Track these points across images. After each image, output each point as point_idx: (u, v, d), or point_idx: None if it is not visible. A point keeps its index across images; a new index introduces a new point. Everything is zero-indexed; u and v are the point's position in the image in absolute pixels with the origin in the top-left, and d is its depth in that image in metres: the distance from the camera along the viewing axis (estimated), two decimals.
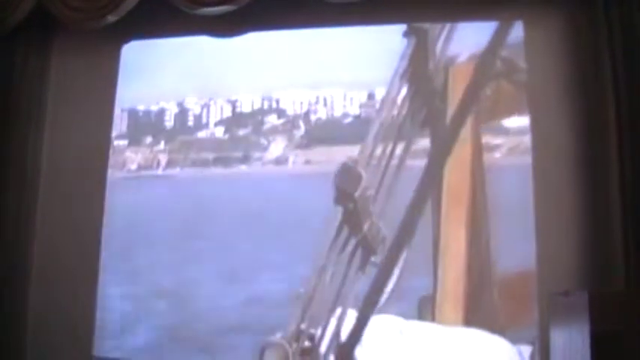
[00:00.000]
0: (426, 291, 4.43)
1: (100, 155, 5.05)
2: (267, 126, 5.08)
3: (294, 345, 4.52)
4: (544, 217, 4.22)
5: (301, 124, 5.03)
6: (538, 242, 4.20)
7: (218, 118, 5.17)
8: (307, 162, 4.98)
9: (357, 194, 4.57)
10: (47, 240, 4.93)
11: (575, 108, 4.25)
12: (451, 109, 4.55)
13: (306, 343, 4.52)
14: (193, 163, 5.14)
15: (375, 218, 4.56)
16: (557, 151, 4.25)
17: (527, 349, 4.22)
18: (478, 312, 4.35)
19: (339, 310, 4.51)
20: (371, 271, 4.53)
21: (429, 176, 4.56)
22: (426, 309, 4.43)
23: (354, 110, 4.95)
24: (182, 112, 5.22)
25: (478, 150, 4.52)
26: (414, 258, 4.50)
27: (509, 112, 4.52)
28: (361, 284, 4.53)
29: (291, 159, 5.01)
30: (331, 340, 4.50)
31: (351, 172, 4.63)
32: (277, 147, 5.02)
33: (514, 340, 4.26)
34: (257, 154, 5.05)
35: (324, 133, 5.00)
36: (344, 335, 4.49)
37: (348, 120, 4.95)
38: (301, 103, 5.05)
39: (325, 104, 4.99)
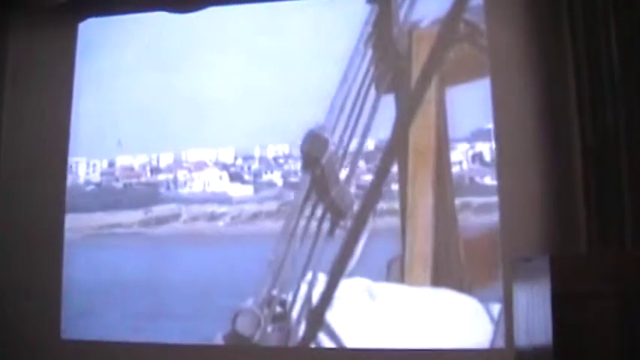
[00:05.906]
0: (395, 253, 4.48)
1: (60, 133, 5.04)
2: None
3: (266, 311, 4.57)
4: (506, 182, 4.27)
5: None
6: (501, 207, 4.25)
7: None
8: None
9: (323, 160, 4.60)
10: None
11: (536, 70, 4.27)
12: (415, 73, 4.57)
13: (278, 309, 4.57)
14: None
15: (342, 183, 4.59)
16: (518, 115, 4.28)
17: (495, 307, 4.29)
18: (446, 272, 4.41)
19: (309, 275, 4.57)
20: (340, 235, 4.57)
21: (395, 139, 4.59)
22: (394, 270, 4.48)
23: None
24: None
25: (442, 112, 4.55)
26: (382, 220, 4.54)
27: (473, 75, 4.55)
28: (330, 248, 4.57)
29: None
30: (302, 305, 4.55)
31: (317, 138, 4.65)
32: None
33: (483, 298, 4.33)
34: None
35: None
36: (315, 300, 4.54)
37: None
38: None
39: None
